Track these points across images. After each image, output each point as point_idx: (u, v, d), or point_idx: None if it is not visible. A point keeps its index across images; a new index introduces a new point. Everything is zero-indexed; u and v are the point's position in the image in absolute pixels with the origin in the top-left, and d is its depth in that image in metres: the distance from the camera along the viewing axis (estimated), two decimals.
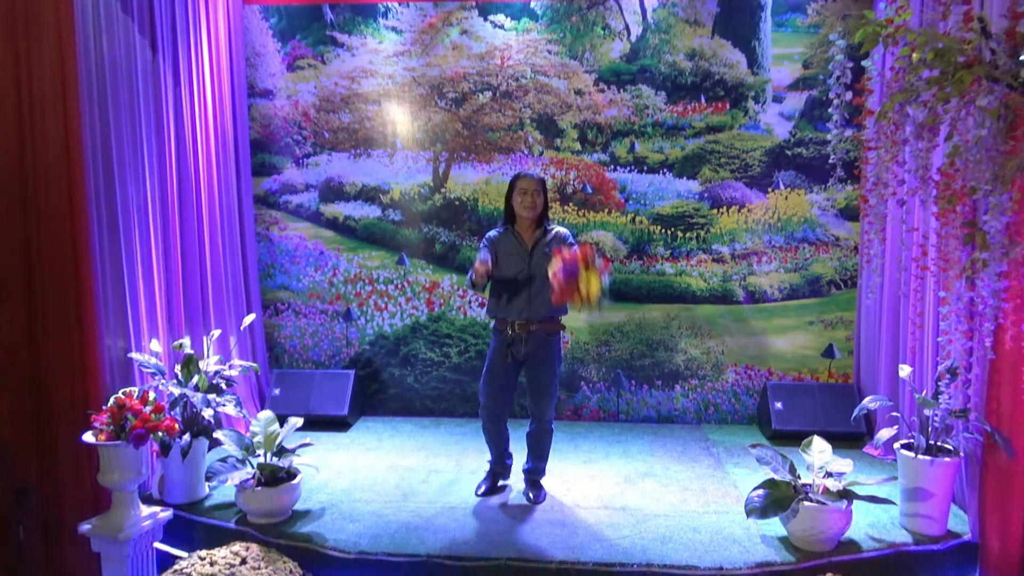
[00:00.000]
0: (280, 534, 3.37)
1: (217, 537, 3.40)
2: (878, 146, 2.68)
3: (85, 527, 3.16)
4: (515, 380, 3.77)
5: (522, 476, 3.94)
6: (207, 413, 3.58)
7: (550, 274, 3.18)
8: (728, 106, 5.11)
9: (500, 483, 3.99)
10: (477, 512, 3.64)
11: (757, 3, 5.01)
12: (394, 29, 5.24)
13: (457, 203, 5.32)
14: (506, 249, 3.70)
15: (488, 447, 3.93)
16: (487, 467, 4.00)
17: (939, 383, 3.27)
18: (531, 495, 3.81)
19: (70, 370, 3.42)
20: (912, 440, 3.42)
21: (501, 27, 5.16)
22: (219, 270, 4.67)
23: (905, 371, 3.54)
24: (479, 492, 3.89)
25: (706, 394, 5.23)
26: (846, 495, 3.18)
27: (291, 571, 3.10)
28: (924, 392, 3.62)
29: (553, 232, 3.72)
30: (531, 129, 5.23)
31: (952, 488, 3.35)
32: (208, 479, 3.59)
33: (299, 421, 3.74)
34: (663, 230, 5.20)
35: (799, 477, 3.29)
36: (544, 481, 3.95)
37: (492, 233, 3.78)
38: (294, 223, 5.44)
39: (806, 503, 3.15)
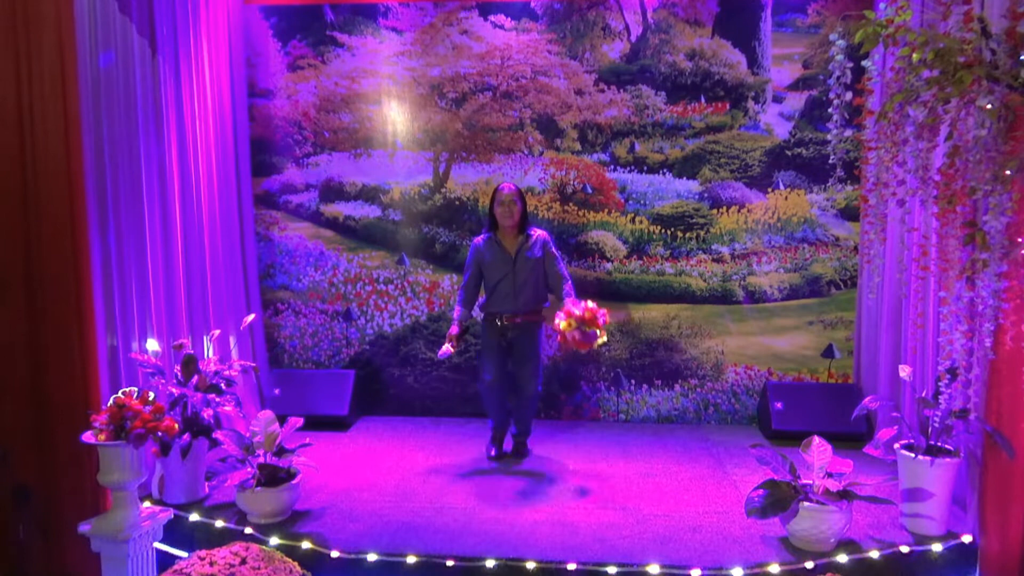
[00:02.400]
0: (280, 534, 3.37)
1: (217, 537, 3.40)
2: (878, 146, 2.68)
3: (85, 527, 3.15)
4: (506, 359, 4.35)
5: (512, 440, 4.53)
6: (207, 413, 3.58)
7: (563, 333, 3.66)
8: (728, 106, 5.11)
9: (505, 447, 4.51)
10: (477, 512, 3.64)
11: (757, 3, 5.01)
12: (394, 29, 5.24)
13: (457, 203, 5.32)
14: (491, 257, 4.26)
15: (489, 415, 4.47)
16: (489, 433, 4.50)
17: (939, 383, 3.27)
18: (518, 452, 4.45)
19: (70, 370, 3.42)
20: (912, 440, 3.42)
21: (501, 27, 5.16)
22: (219, 270, 4.67)
23: (905, 371, 3.54)
24: (491, 455, 4.40)
25: (706, 394, 5.23)
26: (846, 495, 3.18)
27: (291, 571, 3.10)
28: (924, 392, 3.62)
29: (535, 238, 4.26)
30: (531, 129, 5.23)
31: (952, 488, 3.34)
32: (208, 479, 3.59)
33: (299, 421, 3.75)
34: (663, 230, 5.20)
35: (799, 477, 3.29)
36: (544, 481, 4.06)
37: (479, 241, 4.33)
38: (294, 223, 5.44)
39: (806, 503, 3.15)
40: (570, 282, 4.26)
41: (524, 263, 4.21)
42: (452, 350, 4.19)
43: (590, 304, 3.69)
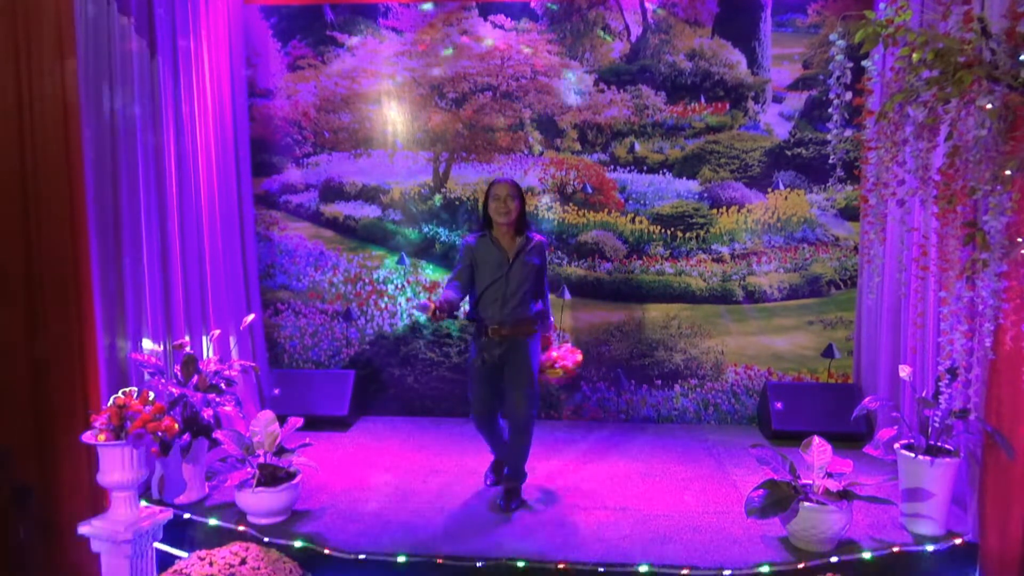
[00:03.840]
0: (280, 534, 3.37)
1: (217, 537, 3.40)
2: (878, 146, 2.68)
3: (85, 527, 3.16)
4: (497, 383, 3.73)
5: (502, 486, 3.84)
6: (207, 413, 3.58)
7: (548, 376, 3.85)
8: (728, 106, 5.11)
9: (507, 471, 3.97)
10: (477, 512, 3.64)
11: (757, 3, 5.01)
12: (394, 29, 5.24)
13: (457, 203, 5.32)
14: (484, 257, 3.70)
15: (488, 445, 3.94)
16: (491, 463, 4.07)
17: (939, 383, 3.27)
18: (501, 503, 3.70)
19: (70, 370, 3.43)
20: (912, 440, 3.42)
21: (501, 27, 5.16)
22: (219, 270, 4.67)
23: (905, 371, 3.54)
24: (488, 483, 3.99)
25: (706, 394, 5.23)
26: (846, 495, 3.18)
27: (291, 571, 3.10)
28: (924, 392, 3.62)
29: (535, 242, 3.75)
30: (531, 129, 5.23)
31: (952, 488, 3.34)
32: (208, 479, 3.59)
33: (299, 421, 3.75)
34: (663, 230, 5.20)
35: (799, 477, 3.29)
36: (544, 481, 4.02)
37: (470, 239, 3.78)
38: (294, 223, 5.44)
39: (806, 503, 3.15)
40: (548, 297, 3.90)
41: (521, 268, 3.68)
42: (431, 309, 3.39)
43: (579, 357, 3.98)
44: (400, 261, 5.40)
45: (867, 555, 3.16)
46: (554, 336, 4.02)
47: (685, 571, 3.06)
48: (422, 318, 3.79)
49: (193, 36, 4.41)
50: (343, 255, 5.42)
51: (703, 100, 5.12)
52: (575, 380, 4.04)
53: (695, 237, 5.17)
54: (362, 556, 3.21)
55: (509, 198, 3.67)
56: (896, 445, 3.45)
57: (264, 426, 3.54)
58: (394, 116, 5.29)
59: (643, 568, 3.08)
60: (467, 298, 3.79)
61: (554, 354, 3.91)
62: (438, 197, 5.33)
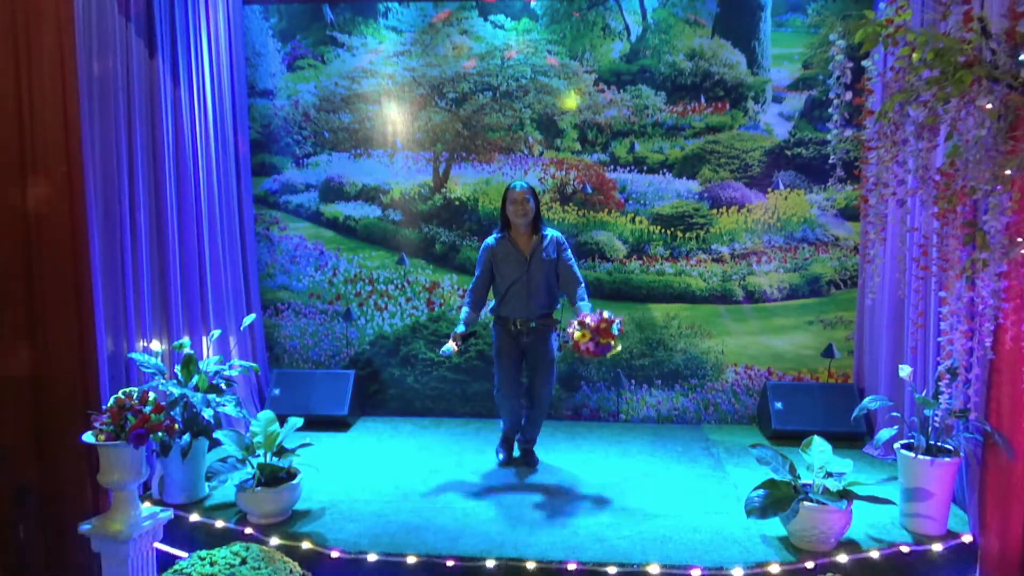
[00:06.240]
0: (280, 534, 3.37)
1: (217, 537, 3.40)
2: (878, 146, 2.67)
3: (85, 527, 3.16)
4: (521, 363, 4.24)
5: (519, 448, 4.45)
6: (207, 413, 3.58)
7: (577, 344, 3.60)
8: (728, 106, 5.11)
9: (516, 453, 4.43)
10: (477, 512, 3.64)
11: (757, 3, 5.01)
12: (394, 29, 5.24)
13: (457, 203, 5.32)
14: (504, 257, 4.11)
15: (502, 419, 4.36)
16: (500, 436, 4.45)
17: (939, 383, 3.26)
18: (527, 461, 4.34)
19: (70, 370, 3.43)
20: (912, 440, 3.42)
21: (501, 27, 5.16)
22: (219, 270, 4.67)
23: (905, 371, 3.54)
24: (501, 461, 4.34)
25: (706, 394, 5.23)
26: (846, 495, 3.18)
27: (291, 571, 3.09)
28: (924, 392, 3.62)
29: (549, 238, 4.12)
30: (531, 129, 5.23)
31: (952, 488, 3.35)
32: (208, 479, 3.58)
33: (299, 421, 3.75)
34: (663, 230, 5.20)
35: (799, 477, 3.29)
36: (544, 481, 4.07)
37: (491, 241, 4.17)
38: (294, 223, 5.44)
39: (806, 503, 3.15)
40: (584, 284, 4.13)
41: (539, 265, 4.06)
42: (456, 348, 3.97)
43: (605, 314, 3.60)
44: (400, 261, 5.40)
45: (867, 555, 3.16)
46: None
47: (685, 571, 3.06)
48: (449, 352, 3.97)
49: (193, 36, 4.42)
50: (343, 255, 5.42)
51: (703, 100, 5.12)
52: (608, 344, 3.58)
53: (695, 237, 5.17)
54: (362, 556, 3.21)
55: (526, 201, 4.05)
56: (896, 445, 3.45)
57: (264, 426, 3.54)
58: (394, 116, 5.29)
59: (643, 568, 3.08)
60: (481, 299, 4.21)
61: (587, 320, 3.62)
62: (438, 197, 5.33)
